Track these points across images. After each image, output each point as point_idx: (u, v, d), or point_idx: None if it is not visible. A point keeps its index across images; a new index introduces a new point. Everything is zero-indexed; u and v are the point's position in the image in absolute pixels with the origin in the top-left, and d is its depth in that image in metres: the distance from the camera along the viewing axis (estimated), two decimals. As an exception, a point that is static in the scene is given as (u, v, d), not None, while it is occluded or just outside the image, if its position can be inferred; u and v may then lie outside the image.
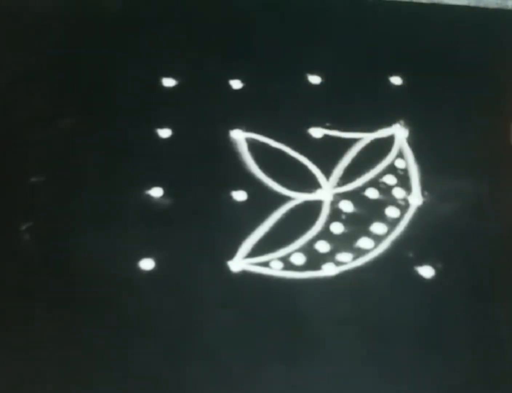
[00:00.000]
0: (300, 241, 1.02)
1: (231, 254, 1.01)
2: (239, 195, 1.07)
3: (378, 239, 1.03)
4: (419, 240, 1.03)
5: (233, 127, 1.13)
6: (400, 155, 1.12)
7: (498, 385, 0.92)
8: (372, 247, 1.02)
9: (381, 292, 0.99)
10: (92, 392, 0.90)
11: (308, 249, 1.02)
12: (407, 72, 1.15)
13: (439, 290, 0.99)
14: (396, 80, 1.19)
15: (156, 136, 1.13)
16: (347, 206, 1.06)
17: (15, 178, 1.07)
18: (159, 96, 1.17)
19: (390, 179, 1.09)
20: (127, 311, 0.96)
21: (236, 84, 1.19)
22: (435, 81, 1.17)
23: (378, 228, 1.04)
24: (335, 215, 1.05)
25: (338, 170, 1.10)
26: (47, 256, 1.00)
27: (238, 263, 1.00)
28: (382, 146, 1.13)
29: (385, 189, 1.08)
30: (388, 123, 1.14)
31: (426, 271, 1.00)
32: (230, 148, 1.12)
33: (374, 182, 1.09)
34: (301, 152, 1.11)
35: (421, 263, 1.01)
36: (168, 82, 1.19)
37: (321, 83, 1.20)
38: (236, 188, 1.07)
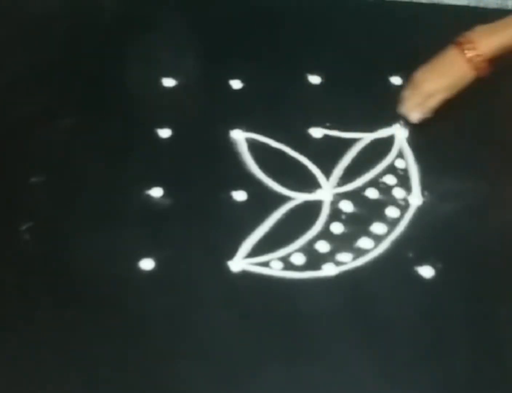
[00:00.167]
0: (300, 241, 1.02)
1: (231, 254, 1.01)
2: (239, 195, 1.07)
3: (378, 239, 1.03)
4: (419, 240, 1.03)
5: (233, 127, 1.14)
6: (400, 155, 1.12)
7: (498, 385, 0.92)
8: (372, 247, 1.02)
9: (381, 292, 0.99)
10: (92, 391, 0.91)
11: (308, 249, 1.02)
12: (407, 72, 1.15)
13: (439, 290, 0.99)
14: (396, 80, 1.19)
15: (156, 136, 1.13)
16: (347, 206, 1.06)
17: (15, 178, 1.07)
18: (159, 96, 1.18)
19: (390, 179, 1.09)
20: (127, 310, 0.96)
21: (236, 84, 1.19)
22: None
23: (378, 228, 1.04)
24: (335, 215, 1.05)
25: (338, 170, 1.10)
26: (47, 256, 1.00)
27: (238, 263, 1.00)
28: (382, 146, 1.13)
29: (385, 189, 1.08)
30: (388, 123, 1.14)
31: (426, 271, 1.00)
32: (230, 148, 1.12)
33: (374, 182, 1.09)
34: (301, 152, 1.11)
35: (421, 263, 1.01)
36: (168, 82, 1.19)
37: (321, 83, 1.20)
38: (236, 188, 1.07)
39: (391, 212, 1.05)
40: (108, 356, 0.92)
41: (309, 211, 1.05)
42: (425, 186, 1.08)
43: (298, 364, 0.93)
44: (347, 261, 1.01)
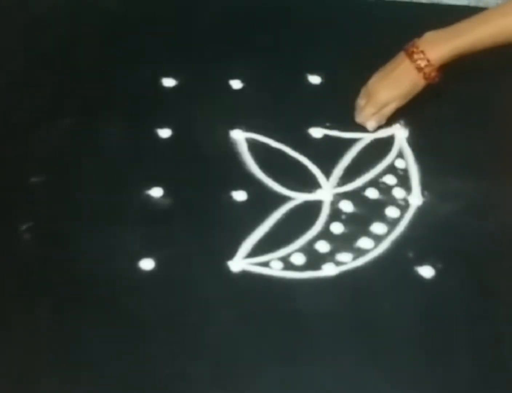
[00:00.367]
0: (300, 241, 1.02)
1: (231, 254, 1.01)
2: (239, 195, 1.07)
3: (378, 239, 1.03)
4: (419, 240, 1.03)
5: (233, 127, 1.14)
6: (400, 155, 1.12)
7: (498, 385, 0.92)
8: (372, 247, 1.02)
9: (381, 292, 0.99)
10: (92, 391, 0.91)
11: (308, 249, 1.01)
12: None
13: (439, 290, 0.99)
14: (396, 80, 1.19)
15: (156, 136, 1.13)
16: (347, 206, 1.06)
17: (15, 178, 1.07)
18: (159, 96, 1.18)
19: (390, 179, 1.09)
20: (127, 310, 0.96)
21: (236, 84, 1.19)
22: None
23: (378, 228, 1.04)
24: (335, 215, 1.05)
25: (338, 170, 1.10)
26: (47, 256, 1.00)
27: (238, 263, 1.00)
28: (382, 146, 1.13)
29: (385, 189, 1.08)
30: (388, 123, 1.14)
31: (426, 271, 1.00)
32: (230, 148, 1.12)
33: (374, 182, 1.09)
34: (301, 152, 1.11)
35: (421, 263, 1.01)
36: (168, 82, 1.19)
37: (321, 83, 1.20)
38: (236, 188, 1.07)
39: (391, 212, 1.05)
40: (108, 356, 0.92)
41: (309, 211, 1.05)
42: (425, 186, 1.08)
43: (298, 364, 0.93)
44: (347, 261, 1.01)
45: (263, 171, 1.09)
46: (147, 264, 0.99)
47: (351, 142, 1.12)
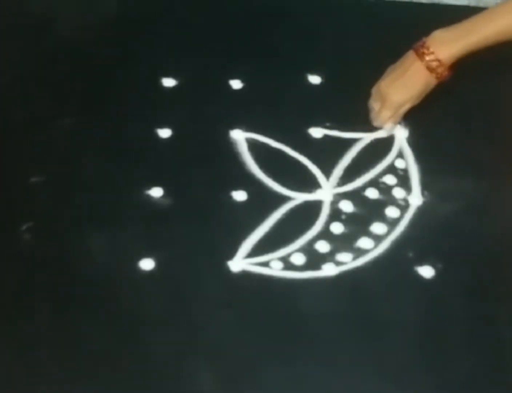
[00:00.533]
0: (300, 241, 1.02)
1: (231, 254, 1.01)
2: (239, 195, 1.07)
3: (378, 239, 1.03)
4: (419, 240, 1.03)
5: (233, 127, 1.14)
6: (400, 155, 1.12)
7: (498, 385, 0.92)
8: (372, 247, 1.02)
9: (381, 292, 0.99)
10: (92, 391, 0.91)
11: (308, 249, 1.01)
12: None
13: (439, 290, 0.99)
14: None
15: (156, 136, 1.13)
16: (347, 206, 1.06)
17: (15, 178, 1.07)
18: (159, 96, 1.18)
19: (390, 179, 1.09)
20: (127, 310, 0.96)
21: (236, 84, 1.19)
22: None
23: (378, 228, 1.04)
24: (335, 215, 1.05)
25: (338, 170, 1.10)
26: (47, 256, 1.00)
27: (238, 263, 1.00)
28: (382, 146, 1.13)
29: (385, 189, 1.08)
30: (388, 123, 1.14)
31: (426, 271, 1.00)
32: (230, 148, 1.12)
33: (374, 182, 1.09)
34: (301, 152, 1.11)
35: (421, 263, 1.01)
36: (168, 82, 1.19)
37: (321, 83, 1.20)
38: (236, 188, 1.07)
39: (391, 212, 1.05)
40: (108, 356, 0.92)
41: (309, 211, 1.05)
42: (425, 186, 1.08)
43: (298, 364, 0.93)
44: (347, 261, 1.01)
45: (263, 171, 1.09)
46: (147, 264, 0.99)
47: (351, 142, 1.12)
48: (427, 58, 1.06)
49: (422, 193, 1.07)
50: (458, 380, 0.92)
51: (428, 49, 1.06)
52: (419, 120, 1.15)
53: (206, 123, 1.14)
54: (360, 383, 0.92)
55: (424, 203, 1.07)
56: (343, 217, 1.05)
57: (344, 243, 1.02)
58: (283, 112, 1.16)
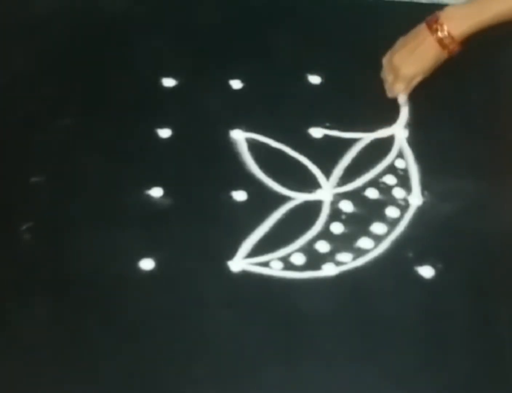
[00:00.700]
0: (300, 241, 1.02)
1: (231, 254, 1.01)
2: (239, 195, 1.07)
3: (378, 239, 1.03)
4: (419, 240, 1.03)
5: (233, 127, 1.14)
6: (400, 155, 1.12)
7: (498, 385, 0.92)
8: (372, 247, 1.02)
9: (381, 292, 0.99)
10: (92, 391, 0.91)
11: (308, 249, 1.01)
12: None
13: (439, 290, 0.99)
14: (396, 80, 1.19)
15: (156, 136, 1.13)
16: (347, 206, 1.06)
17: (15, 178, 1.07)
18: (159, 96, 1.17)
19: (390, 179, 1.09)
20: (127, 310, 0.96)
21: (236, 84, 1.19)
22: (436, 81, 1.17)
23: (378, 228, 1.04)
24: (335, 215, 1.05)
25: (338, 170, 1.10)
26: (47, 256, 1.00)
27: (238, 263, 1.00)
28: (382, 146, 1.13)
29: (385, 189, 1.08)
30: (388, 123, 1.14)
31: (426, 271, 1.00)
32: (230, 148, 1.12)
33: (374, 182, 1.09)
34: (301, 152, 1.11)
35: (421, 263, 1.01)
36: (168, 82, 1.19)
37: (321, 83, 1.20)
38: (236, 188, 1.07)
39: (391, 212, 1.05)
40: (108, 355, 0.92)
41: (309, 211, 1.05)
42: (425, 186, 1.08)
43: (298, 364, 0.93)
44: (347, 261, 1.01)
45: (263, 171, 1.09)
46: (147, 264, 0.99)
47: (351, 142, 1.12)
48: (440, 34, 1.09)
49: (422, 193, 1.07)
50: (458, 380, 0.92)
51: (441, 25, 1.09)
52: (419, 120, 1.15)
53: (206, 123, 1.14)
54: (360, 383, 0.92)
55: (424, 203, 1.07)
56: (343, 217, 1.05)
57: (344, 243, 1.02)
58: (283, 112, 1.16)
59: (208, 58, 1.22)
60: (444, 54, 1.11)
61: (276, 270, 1.00)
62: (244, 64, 1.21)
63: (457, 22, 1.08)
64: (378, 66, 1.16)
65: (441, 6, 1.25)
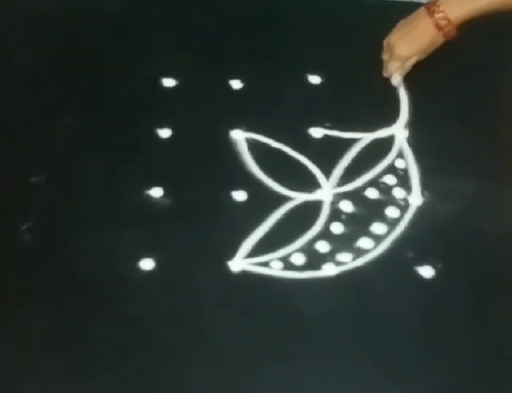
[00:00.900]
0: (300, 241, 1.02)
1: (231, 254, 1.01)
2: (239, 195, 1.07)
3: (378, 239, 1.03)
4: (419, 240, 1.03)
5: (233, 127, 1.14)
6: (400, 155, 1.12)
7: (498, 385, 0.92)
8: (372, 247, 1.02)
9: (381, 292, 0.99)
10: (92, 391, 0.91)
11: (308, 249, 1.02)
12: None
13: (439, 290, 0.99)
14: (396, 79, 1.19)
15: (156, 136, 1.13)
16: (347, 206, 1.06)
17: (15, 178, 1.07)
18: (159, 96, 1.18)
19: (390, 179, 1.09)
20: (127, 310, 0.96)
21: (236, 84, 1.19)
22: (436, 81, 1.17)
23: (378, 228, 1.04)
24: (335, 215, 1.05)
25: (338, 170, 1.10)
26: (47, 256, 1.00)
27: (238, 263, 1.00)
28: (382, 146, 1.13)
29: (385, 189, 1.08)
30: (388, 123, 1.14)
31: (426, 271, 1.00)
32: (230, 148, 1.12)
33: (374, 182, 1.09)
34: (301, 152, 1.11)
35: (421, 263, 1.01)
36: (168, 82, 1.19)
37: (321, 83, 1.20)
38: (236, 188, 1.07)
39: (391, 212, 1.05)
40: (108, 355, 0.92)
41: (309, 211, 1.05)
42: (425, 186, 1.08)
43: (298, 364, 0.93)
44: (347, 261, 1.01)
45: (263, 171, 1.09)
46: (147, 264, 0.99)
47: (351, 142, 1.12)
48: (437, 16, 1.10)
49: (422, 194, 1.07)
50: (458, 380, 0.92)
51: (438, 7, 1.10)
52: (419, 120, 1.15)
53: (206, 123, 1.14)
54: (360, 382, 0.92)
55: (424, 203, 1.07)
56: (343, 217, 1.05)
57: (344, 243, 1.02)
58: (283, 112, 1.16)
59: (208, 58, 1.22)
60: (440, 37, 1.11)
61: (276, 270, 1.00)
62: (244, 64, 1.21)
63: (455, 6, 1.09)
64: (378, 66, 1.16)
65: (441, 6, 1.24)
